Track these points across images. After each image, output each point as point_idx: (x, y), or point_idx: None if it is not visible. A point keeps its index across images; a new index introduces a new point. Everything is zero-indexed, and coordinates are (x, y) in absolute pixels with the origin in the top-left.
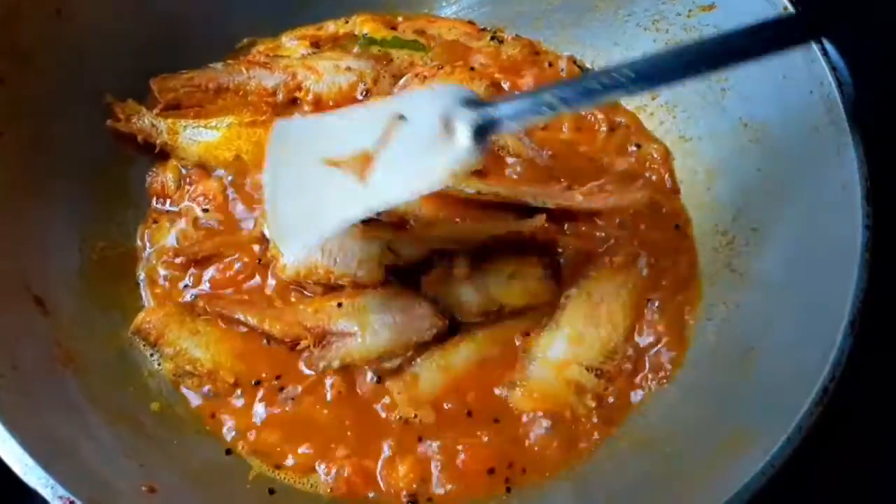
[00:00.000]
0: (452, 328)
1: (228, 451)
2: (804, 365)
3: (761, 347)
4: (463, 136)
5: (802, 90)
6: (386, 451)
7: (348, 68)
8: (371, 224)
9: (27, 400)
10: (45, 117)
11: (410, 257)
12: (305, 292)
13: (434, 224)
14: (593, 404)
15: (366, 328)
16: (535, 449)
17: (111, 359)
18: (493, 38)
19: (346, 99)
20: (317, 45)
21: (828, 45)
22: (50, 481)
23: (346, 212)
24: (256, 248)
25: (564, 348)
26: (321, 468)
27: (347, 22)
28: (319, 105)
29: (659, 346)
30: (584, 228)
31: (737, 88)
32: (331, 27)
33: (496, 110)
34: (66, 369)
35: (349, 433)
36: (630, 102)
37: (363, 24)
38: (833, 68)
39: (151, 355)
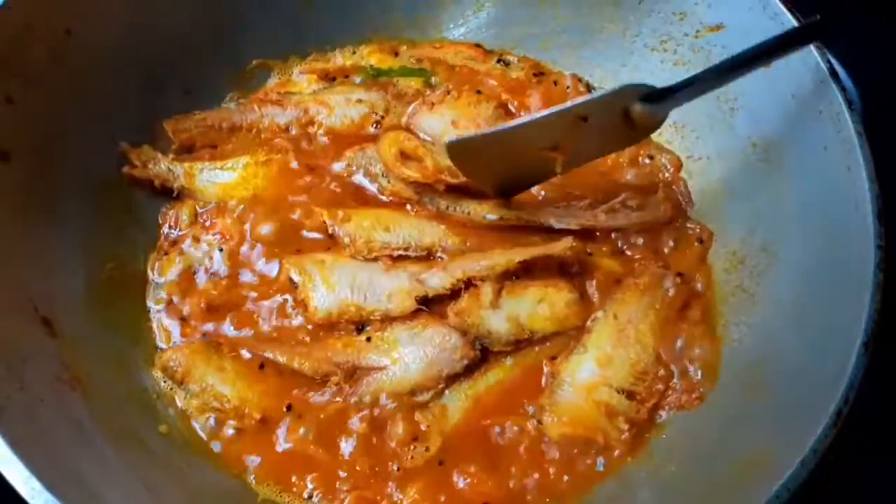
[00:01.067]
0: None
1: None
2: (818, 387)
3: (774, 369)
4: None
5: (812, 109)
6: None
7: (359, 100)
8: (399, 258)
9: (34, 422)
10: (53, 137)
11: (439, 288)
12: (337, 332)
13: (461, 254)
14: (626, 427)
15: (397, 362)
16: (550, 477)
17: (118, 380)
18: (499, 61)
19: (359, 130)
20: (326, 77)
21: (836, 65)
22: None
23: None
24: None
25: (593, 371)
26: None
27: (354, 53)
28: (334, 135)
29: (691, 365)
30: (604, 249)
31: (746, 108)
32: (338, 59)
33: (675, 101)
34: (74, 391)
35: (358, 467)
36: None
37: (370, 56)
38: (842, 88)
39: (170, 387)
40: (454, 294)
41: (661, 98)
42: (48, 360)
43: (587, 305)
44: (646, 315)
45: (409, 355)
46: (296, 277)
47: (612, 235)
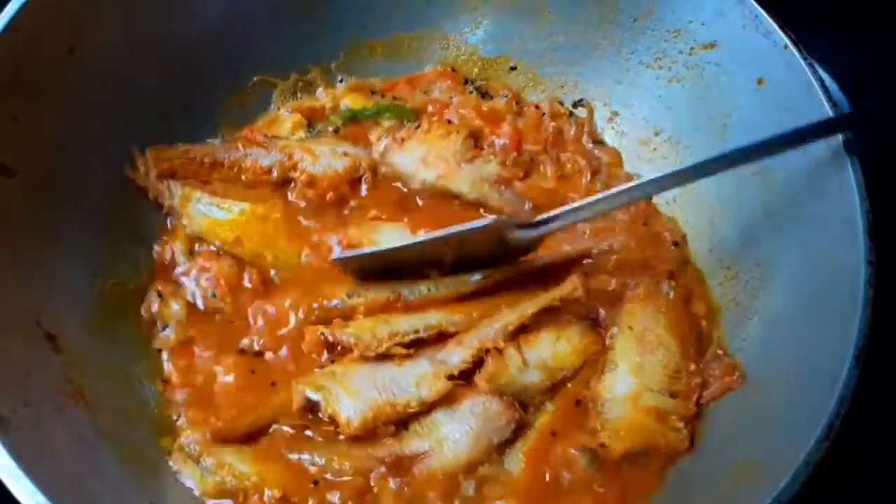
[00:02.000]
0: None
1: None
2: (810, 400)
3: (768, 382)
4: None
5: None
6: None
7: (345, 153)
8: (412, 345)
9: (39, 437)
10: (57, 155)
11: (461, 363)
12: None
13: (472, 323)
14: (681, 424)
15: (443, 443)
16: None
17: (121, 395)
18: (475, 89)
19: (341, 181)
20: (312, 115)
21: (827, 80)
22: None
23: None
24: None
25: (629, 382)
26: None
27: (335, 96)
28: (314, 185)
29: (719, 349)
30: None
31: (739, 123)
32: (322, 98)
33: (547, 228)
34: (77, 405)
35: None
36: (634, 137)
37: (345, 96)
38: (834, 104)
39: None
40: (477, 362)
41: (535, 226)
42: (52, 374)
43: (600, 329)
44: (657, 320)
45: (453, 433)
46: (314, 397)
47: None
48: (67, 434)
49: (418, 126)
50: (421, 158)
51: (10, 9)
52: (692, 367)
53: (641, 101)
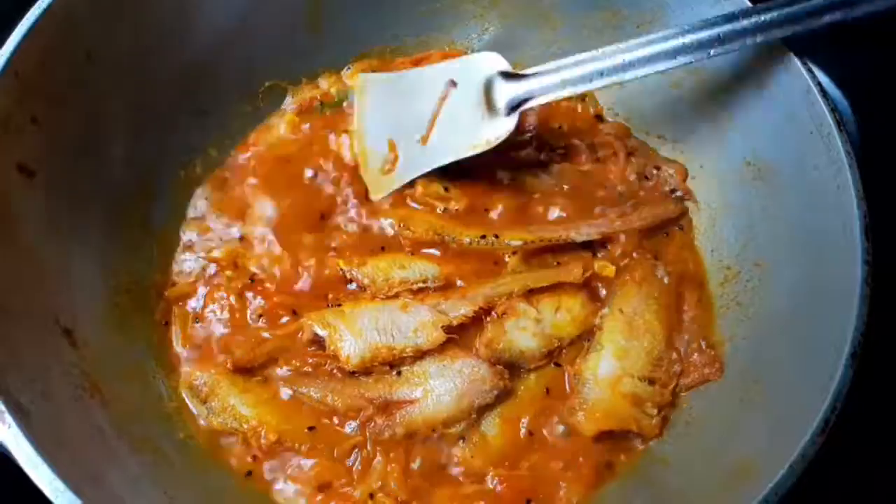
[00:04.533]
0: None
1: (249, 473)
2: (807, 395)
3: (766, 379)
4: (500, 108)
5: (803, 130)
6: None
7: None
8: (419, 292)
9: (57, 427)
10: (75, 156)
11: (462, 316)
12: (374, 375)
13: (478, 281)
14: (655, 412)
15: (428, 394)
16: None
17: (136, 390)
18: None
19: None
20: (309, 110)
21: (827, 85)
22: None
23: (411, 170)
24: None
25: (612, 364)
26: None
27: (339, 79)
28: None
29: (703, 340)
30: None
31: (740, 128)
32: (323, 84)
33: (529, 85)
34: (94, 399)
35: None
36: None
37: (351, 77)
38: (833, 109)
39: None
40: (476, 321)
41: (518, 78)
42: (69, 369)
43: (598, 302)
44: (648, 305)
45: (439, 388)
46: (321, 332)
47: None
48: (85, 426)
49: None
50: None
51: (31, 15)
52: (674, 355)
53: (644, 104)
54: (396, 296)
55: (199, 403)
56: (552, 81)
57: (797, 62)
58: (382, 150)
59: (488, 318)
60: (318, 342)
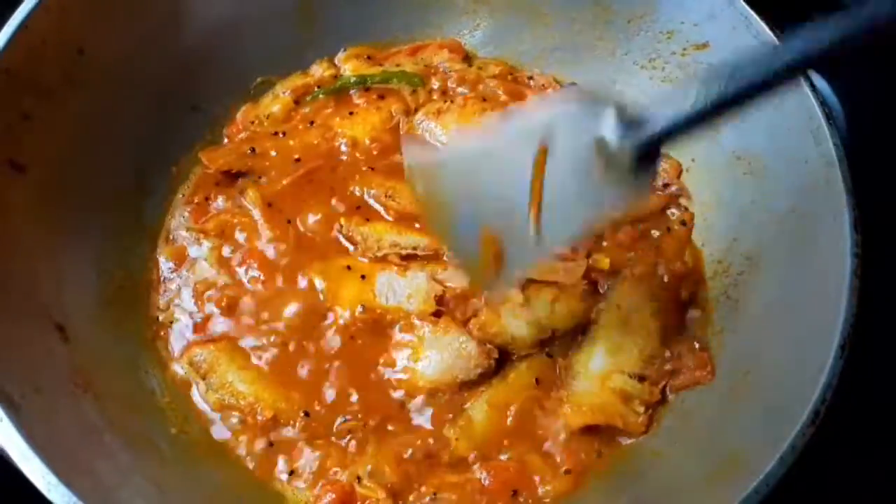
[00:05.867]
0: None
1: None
2: (797, 387)
3: (756, 371)
4: (626, 166)
5: (793, 124)
6: None
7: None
8: (410, 258)
9: (49, 421)
10: (67, 152)
11: (457, 287)
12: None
13: None
14: (642, 409)
15: (417, 359)
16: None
17: (128, 385)
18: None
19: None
20: (306, 93)
21: (816, 79)
22: (72, 498)
23: (525, 262)
24: None
25: (604, 360)
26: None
27: (332, 64)
28: (357, 146)
29: (697, 342)
30: (605, 244)
31: (731, 124)
32: (317, 71)
33: (656, 126)
34: (86, 394)
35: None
36: None
37: (345, 62)
38: (822, 102)
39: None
40: (465, 299)
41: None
42: (62, 363)
43: (598, 295)
44: (646, 303)
45: (428, 356)
46: (319, 286)
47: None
48: (77, 420)
49: (453, 101)
50: (454, 131)
51: (22, 10)
52: (667, 353)
53: (636, 100)
54: (384, 258)
55: (199, 378)
56: (683, 116)
57: None
58: (474, 246)
59: (483, 301)
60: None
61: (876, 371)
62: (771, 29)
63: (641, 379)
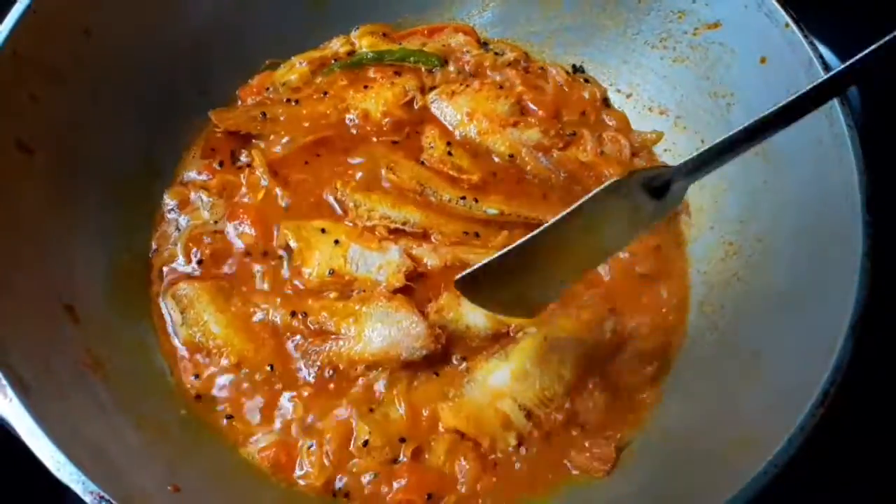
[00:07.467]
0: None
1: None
2: (807, 368)
3: (767, 352)
4: (658, 216)
5: None
6: None
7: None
8: (396, 232)
9: (59, 401)
10: (75, 133)
11: (430, 265)
12: (325, 294)
13: (455, 242)
14: (514, 442)
15: (361, 335)
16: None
17: (137, 366)
18: (487, 50)
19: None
20: (323, 66)
21: (829, 58)
22: (81, 477)
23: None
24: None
25: (505, 380)
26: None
27: (349, 40)
28: (368, 119)
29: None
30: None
31: (742, 103)
32: (334, 45)
33: (680, 175)
34: (95, 375)
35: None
36: (641, 121)
37: (361, 39)
38: None
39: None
40: (433, 282)
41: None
42: (71, 344)
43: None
44: (573, 351)
45: (374, 332)
46: (292, 244)
47: None
48: (86, 401)
49: (468, 84)
50: (467, 113)
51: None
52: (567, 404)
53: (647, 80)
54: (373, 229)
55: (178, 312)
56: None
57: (799, 34)
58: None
59: (446, 290)
60: (286, 249)
61: (887, 353)
62: (782, 6)
63: (528, 415)
